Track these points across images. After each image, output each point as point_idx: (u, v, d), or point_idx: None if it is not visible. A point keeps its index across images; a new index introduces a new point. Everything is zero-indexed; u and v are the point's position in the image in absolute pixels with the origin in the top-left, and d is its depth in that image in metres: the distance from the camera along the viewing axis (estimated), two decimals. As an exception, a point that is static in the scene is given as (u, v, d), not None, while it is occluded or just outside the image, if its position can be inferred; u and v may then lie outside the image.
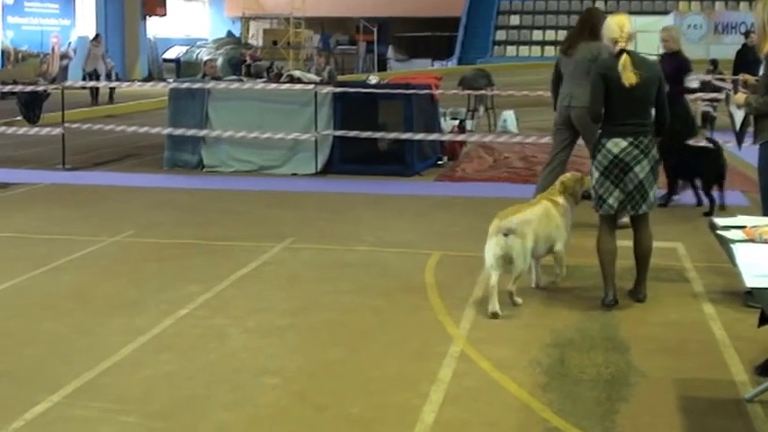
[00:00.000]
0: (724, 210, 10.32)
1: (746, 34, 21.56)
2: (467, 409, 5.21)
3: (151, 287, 7.62)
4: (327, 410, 5.17)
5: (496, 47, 42.59)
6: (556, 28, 41.40)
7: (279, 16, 42.78)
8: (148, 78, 36.25)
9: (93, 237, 9.38)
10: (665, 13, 38.63)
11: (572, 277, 7.71)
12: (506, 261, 6.84)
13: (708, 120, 17.85)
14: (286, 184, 12.91)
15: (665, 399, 5.31)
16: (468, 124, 17.63)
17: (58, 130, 14.85)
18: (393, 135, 13.54)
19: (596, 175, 6.95)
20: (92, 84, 23.62)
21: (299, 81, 15.45)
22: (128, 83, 25.94)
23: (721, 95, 10.80)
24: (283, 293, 7.45)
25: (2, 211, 11.00)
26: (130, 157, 15.77)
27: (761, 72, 6.83)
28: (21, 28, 34.08)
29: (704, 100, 16.29)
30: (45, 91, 19.67)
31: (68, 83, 19.11)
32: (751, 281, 4.48)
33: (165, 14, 42.46)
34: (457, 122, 16.42)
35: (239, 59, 32.92)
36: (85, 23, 37.97)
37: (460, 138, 15.39)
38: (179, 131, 14.22)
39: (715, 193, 10.61)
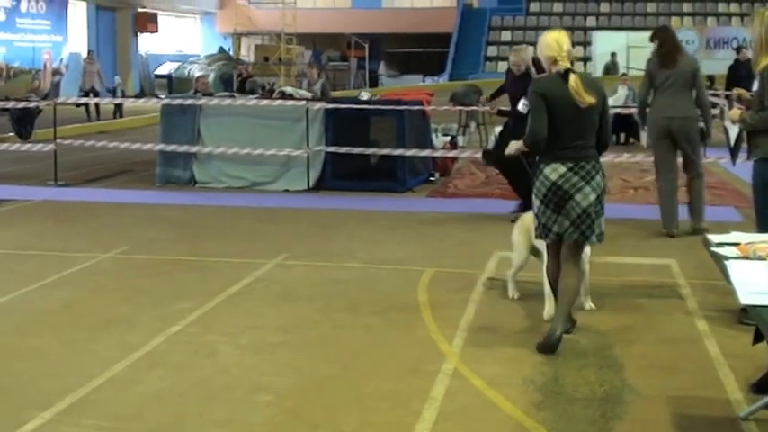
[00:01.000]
0: None
1: (738, 50, 21.70)
2: (460, 427, 5.18)
3: (143, 303, 7.60)
4: (320, 428, 5.14)
5: (488, 62, 42.74)
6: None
7: (270, 33, 42.83)
8: (140, 94, 36.27)
9: (86, 253, 9.36)
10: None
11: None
12: None
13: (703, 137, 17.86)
14: (278, 201, 12.90)
15: (660, 417, 5.29)
16: (460, 140, 17.64)
17: (50, 147, 14.83)
18: (385, 151, 13.54)
19: (537, 203, 6.42)
20: (84, 100, 23.62)
21: (290, 97, 15.45)
22: (119, 99, 25.88)
23: (716, 111, 10.85)
24: (276, 310, 7.43)
25: (-7, 227, 10.96)
26: (123, 174, 15.76)
27: (754, 87, 6.79)
28: (13, 44, 34.05)
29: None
30: (37, 107, 19.66)
31: (61, 99, 19.09)
32: (745, 298, 4.47)
33: (156, 31, 42.52)
34: (449, 139, 16.43)
35: (231, 75, 32.95)
36: (77, 40, 37.99)
37: (452, 154, 15.40)
38: (171, 147, 14.21)
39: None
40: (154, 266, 8.92)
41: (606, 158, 12.43)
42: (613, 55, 32.90)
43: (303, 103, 14.37)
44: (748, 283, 4.57)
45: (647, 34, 10.82)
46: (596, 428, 5.13)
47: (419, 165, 14.34)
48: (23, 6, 34.93)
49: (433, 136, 15.79)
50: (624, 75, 23.90)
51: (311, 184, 13.73)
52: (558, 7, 45.54)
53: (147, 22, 41.76)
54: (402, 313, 7.34)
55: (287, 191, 13.69)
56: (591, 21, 44.53)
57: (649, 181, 13.45)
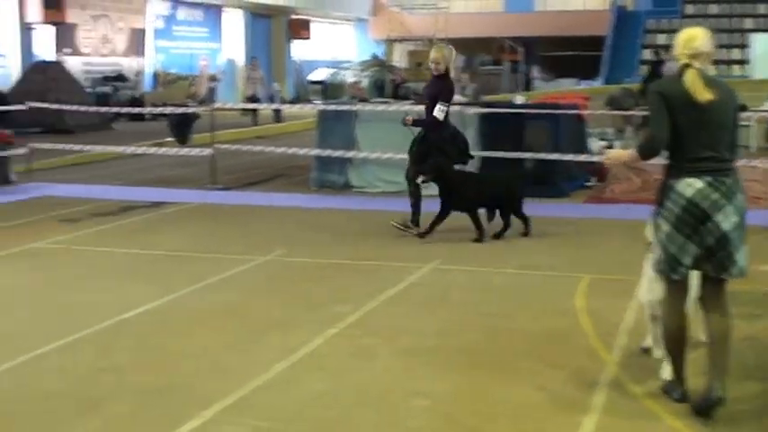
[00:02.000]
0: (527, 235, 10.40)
1: None
2: (622, 437, 5.07)
3: (302, 306, 7.70)
4: (478, 435, 5.10)
5: (643, 66, 41.86)
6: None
7: (423, 38, 42.97)
8: (295, 101, 36.86)
9: (244, 255, 9.53)
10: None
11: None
12: None
13: None
14: (432, 205, 12.83)
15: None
16: (617, 144, 17.30)
17: (208, 151, 15.20)
18: (540, 155, 13.37)
19: (665, 228, 5.32)
20: (241, 106, 24.14)
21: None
22: (275, 105, 26.35)
23: None
24: (432, 314, 7.42)
25: (155, 229, 11.30)
26: (279, 178, 16.02)
27: None
28: (170, 51, 35.18)
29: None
30: (194, 113, 20.18)
31: (218, 104, 19.53)
32: None
33: (308, 37, 43.15)
34: (605, 143, 16.14)
35: (384, 81, 33.17)
36: (233, 47, 38.94)
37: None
38: (327, 152, 14.39)
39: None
40: (311, 270, 9.03)
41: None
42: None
43: (456, 108, 14.31)
44: None
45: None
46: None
47: (575, 169, 14.12)
48: (180, 15, 36.06)
49: (590, 140, 15.54)
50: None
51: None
52: (713, 9, 44.24)
53: (300, 29, 42.45)
54: (559, 320, 7.22)
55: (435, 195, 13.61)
56: (748, 23, 43.11)
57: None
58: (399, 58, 44.56)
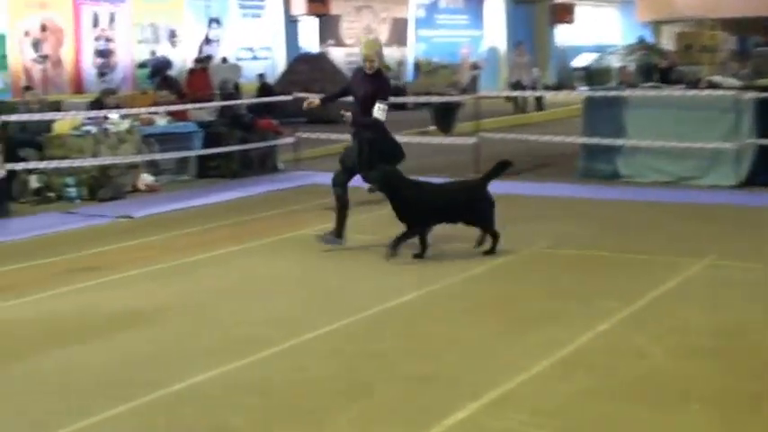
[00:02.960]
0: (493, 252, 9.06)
1: None
2: None
3: (569, 299, 7.53)
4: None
5: None
6: None
7: (692, 18, 41.38)
8: (558, 87, 36.41)
9: (509, 246, 9.37)
10: None
11: None
12: None
13: None
14: (704, 197, 12.33)
15: None
16: None
17: (472, 140, 15.19)
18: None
19: None
20: (505, 93, 24.06)
21: (718, 87, 14.79)
22: (538, 92, 26.07)
23: None
24: (706, 314, 7.06)
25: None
26: (543, 167, 15.81)
27: None
28: (431, 40, 35.57)
29: None
30: (458, 102, 20.25)
31: (482, 92, 19.53)
32: None
33: (572, 22, 42.52)
34: None
35: (650, 65, 32.16)
36: (495, 34, 38.89)
37: None
38: (594, 140, 14.08)
39: None
40: (578, 262, 8.84)
41: None
42: None
43: (731, 92, 13.67)
44: None
45: None
46: None
47: None
48: (442, 3, 36.40)
49: None
50: None
51: (741, 180, 13.01)
52: None
53: (564, 14, 41.89)
54: None
55: (714, 186, 13.05)
56: None
57: None
58: (667, 41, 43.09)
